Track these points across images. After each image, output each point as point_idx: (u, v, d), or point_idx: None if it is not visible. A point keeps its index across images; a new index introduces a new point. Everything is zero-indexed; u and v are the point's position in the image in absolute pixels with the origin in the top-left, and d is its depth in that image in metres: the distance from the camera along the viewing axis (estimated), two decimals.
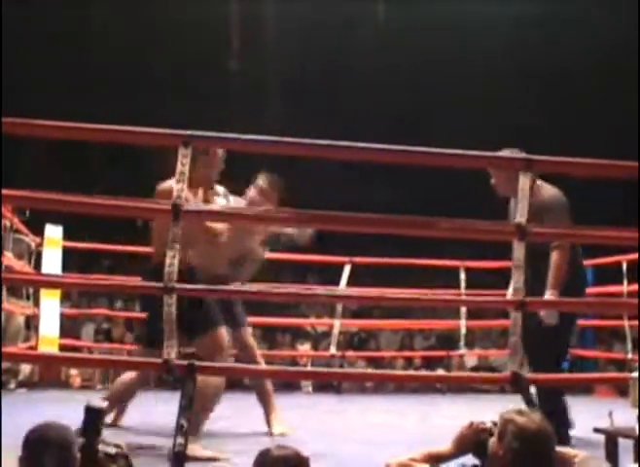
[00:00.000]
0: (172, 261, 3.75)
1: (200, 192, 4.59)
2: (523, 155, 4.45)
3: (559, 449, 2.68)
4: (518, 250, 4.02)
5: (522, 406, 3.70)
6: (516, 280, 4.01)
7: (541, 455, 2.56)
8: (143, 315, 4.98)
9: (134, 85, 12.83)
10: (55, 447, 2.36)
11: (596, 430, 3.94)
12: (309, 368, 8.21)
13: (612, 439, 3.84)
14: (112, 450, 2.49)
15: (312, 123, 11.03)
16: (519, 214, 4.06)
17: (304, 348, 8.94)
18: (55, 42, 12.48)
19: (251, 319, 5.82)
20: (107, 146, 12.96)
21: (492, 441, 2.66)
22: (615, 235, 4.87)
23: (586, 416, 5.44)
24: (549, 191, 4.98)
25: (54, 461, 2.35)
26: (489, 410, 2.78)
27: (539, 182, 4.95)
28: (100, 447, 2.48)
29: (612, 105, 12.14)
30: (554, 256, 4.74)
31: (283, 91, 13.58)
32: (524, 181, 4.06)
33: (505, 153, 4.72)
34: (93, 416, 2.51)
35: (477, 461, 2.74)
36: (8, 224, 7.03)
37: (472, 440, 2.77)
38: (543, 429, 2.57)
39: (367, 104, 13.23)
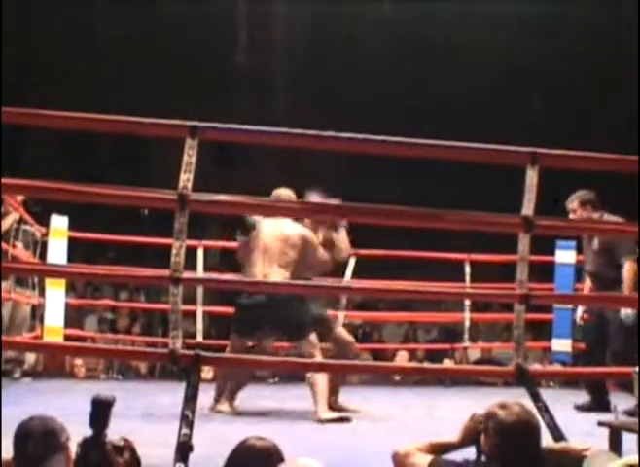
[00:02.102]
0: (179, 251, 3.75)
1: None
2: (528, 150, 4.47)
3: (568, 443, 2.69)
4: (524, 243, 4.02)
5: (524, 398, 3.72)
6: (521, 273, 4.01)
7: (521, 448, 2.57)
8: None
9: (138, 79, 12.82)
10: (38, 434, 2.38)
11: (600, 424, 3.94)
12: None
13: (616, 432, 3.84)
14: (119, 442, 2.50)
15: (317, 117, 11.02)
16: (525, 207, 4.07)
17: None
18: (60, 36, 12.45)
19: None
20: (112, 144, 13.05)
21: (482, 436, 2.68)
22: (615, 230, 4.87)
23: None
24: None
25: (41, 449, 2.37)
26: (493, 402, 2.79)
27: (606, 215, 5.74)
28: (107, 439, 2.50)
29: (613, 102, 12.11)
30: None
31: (289, 86, 13.56)
32: (531, 175, 4.06)
33: None
34: (101, 409, 2.52)
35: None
36: (17, 216, 7.07)
37: (473, 431, 2.79)
38: (522, 421, 2.58)
39: (372, 99, 13.19)
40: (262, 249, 5.50)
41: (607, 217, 5.74)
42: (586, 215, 5.75)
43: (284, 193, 5.61)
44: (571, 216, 5.80)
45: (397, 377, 8.52)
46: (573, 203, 5.84)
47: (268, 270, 5.42)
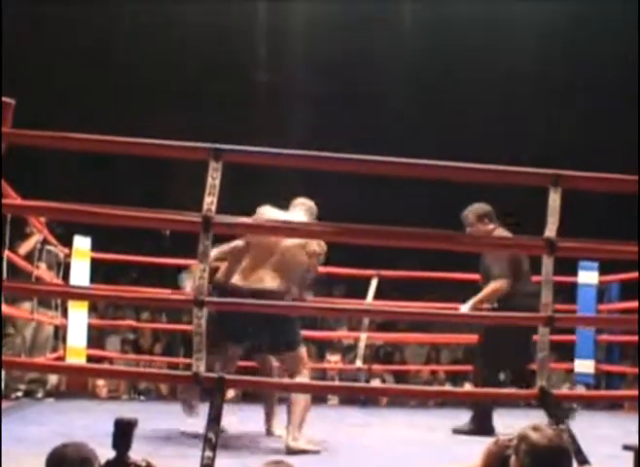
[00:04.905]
0: (203, 274, 3.76)
1: None
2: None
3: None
4: (548, 265, 4.01)
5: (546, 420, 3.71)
6: (546, 295, 4.00)
7: None
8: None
9: (154, 97, 12.87)
10: (74, 462, 2.39)
11: (626, 447, 3.90)
12: (337, 382, 8.22)
13: None
14: (142, 464, 2.51)
15: (336, 135, 11.04)
16: (548, 229, 4.05)
17: (335, 359, 8.89)
18: (76, 51, 12.50)
19: None
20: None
21: (512, 458, 2.66)
22: (615, 250, 4.81)
23: (615, 433, 5.41)
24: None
25: None
26: (517, 424, 2.77)
27: (500, 230, 5.65)
28: (130, 460, 2.51)
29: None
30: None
31: (309, 104, 13.59)
32: (554, 197, 4.04)
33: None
34: (124, 430, 2.53)
35: None
36: (41, 237, 7.14)
37: (497, 456, 2.77)
38: (554, 445, 2.56)
39: (391, 113, 13.18)
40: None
41: (500, 231, 5.65)
42: (483, 228, 5.66)
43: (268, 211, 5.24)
44: (468, 230, 5.71)
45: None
46: (469, 218, 5.77)
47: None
